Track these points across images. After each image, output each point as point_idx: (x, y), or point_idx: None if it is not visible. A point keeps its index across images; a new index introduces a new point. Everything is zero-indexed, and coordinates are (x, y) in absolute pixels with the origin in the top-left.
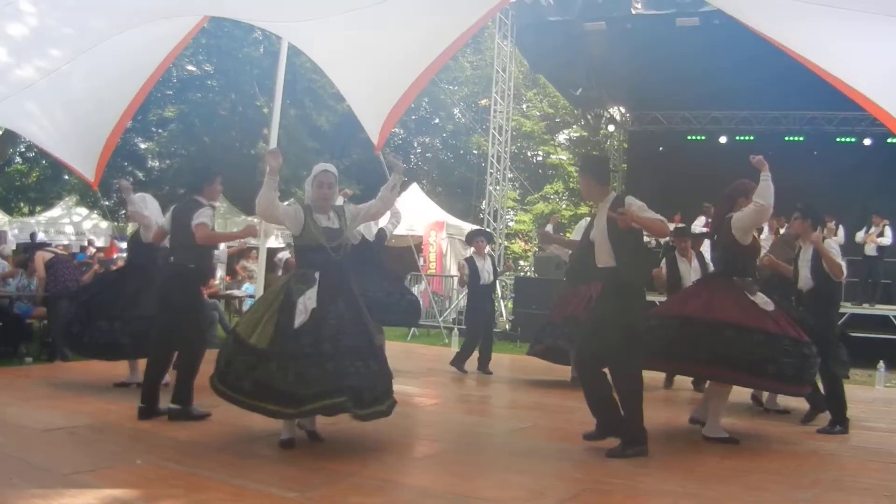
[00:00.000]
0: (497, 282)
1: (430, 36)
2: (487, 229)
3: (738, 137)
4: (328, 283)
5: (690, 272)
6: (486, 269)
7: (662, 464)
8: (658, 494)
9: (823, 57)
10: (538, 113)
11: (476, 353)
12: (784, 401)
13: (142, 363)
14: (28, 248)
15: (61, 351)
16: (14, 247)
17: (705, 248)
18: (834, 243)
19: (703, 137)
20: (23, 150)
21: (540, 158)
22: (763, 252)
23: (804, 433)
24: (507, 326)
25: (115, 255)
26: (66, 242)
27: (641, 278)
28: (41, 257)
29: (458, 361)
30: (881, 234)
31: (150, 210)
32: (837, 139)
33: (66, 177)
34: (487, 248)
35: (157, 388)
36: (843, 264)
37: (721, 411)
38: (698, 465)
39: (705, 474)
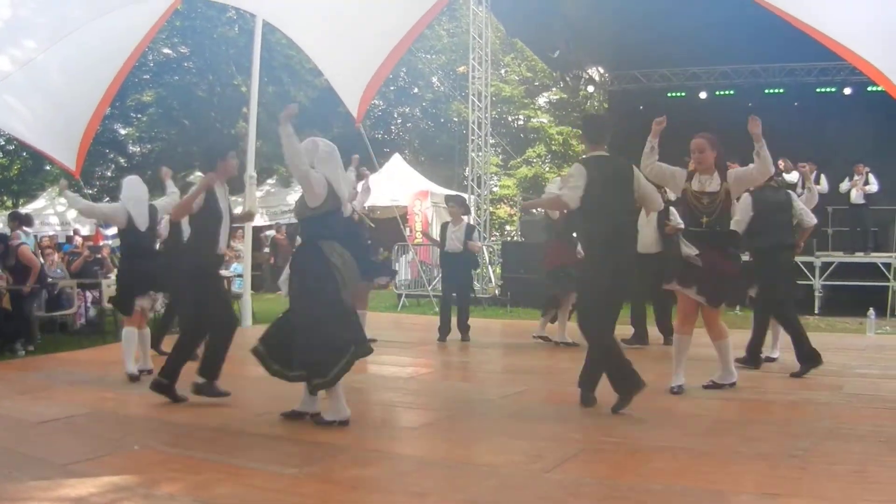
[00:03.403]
0: (484, 248)
1: (404, 6)
2: (462, 194)
3: (718, 92)
4: None
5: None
6: (454, 236)
7: (659, 421)
8: (656, 450)
9: (801, 9)
10: (517, 77)
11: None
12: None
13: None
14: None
15: (26, 338)
16: None
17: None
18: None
19: (683, 94)
20: (2, 143)
21: (521, 123)
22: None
23: (798, 384)
24: (496, 291)
25: (101, 242)
26: (51, 233)
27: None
28: (27, 250)
29: (440, 334)
30: (867, 183)
31: (125, 195)
32: (817, 90)
33: (48, 167)
34: (468, 217)
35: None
36: None
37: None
38: (694, 420)
39: (702, 429)
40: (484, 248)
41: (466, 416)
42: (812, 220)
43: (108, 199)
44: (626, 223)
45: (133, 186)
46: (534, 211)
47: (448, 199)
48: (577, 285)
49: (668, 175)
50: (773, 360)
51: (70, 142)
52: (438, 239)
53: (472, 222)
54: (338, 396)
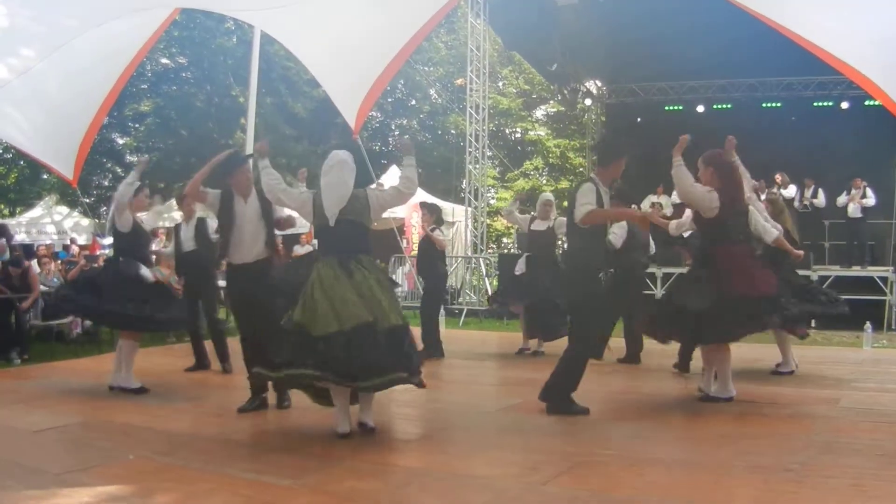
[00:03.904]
0: (481, 259)
1: (403, 18)
2: (437, 204)
3: (715, 106)
4: None
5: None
6: (424, 243)
7: (654, 433)
8: (650, 463)
9: (799, 24)
10: (514, 90)
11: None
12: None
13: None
14: None
15: (21, 347)
16: None
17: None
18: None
19: (681, 107)
20: (0, 151)
21: (518, 135)
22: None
23: (793, 397)
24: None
25: (98, 252)
26: (48, 242)
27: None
28: (35, 275)
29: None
30: (864, 196)
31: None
32: (815, 104)
33: (45, 176)
34: (454, 223)
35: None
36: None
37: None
38: (689, 432)
39: (697, 441)
40: (481, 260)
41: (462, 429)
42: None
43: (104, 208)
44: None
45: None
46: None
47: (422, 205)
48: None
49: None
50: (784, 373)
51: (68, 151)
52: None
53: (464, 231)
54: (341, 409)
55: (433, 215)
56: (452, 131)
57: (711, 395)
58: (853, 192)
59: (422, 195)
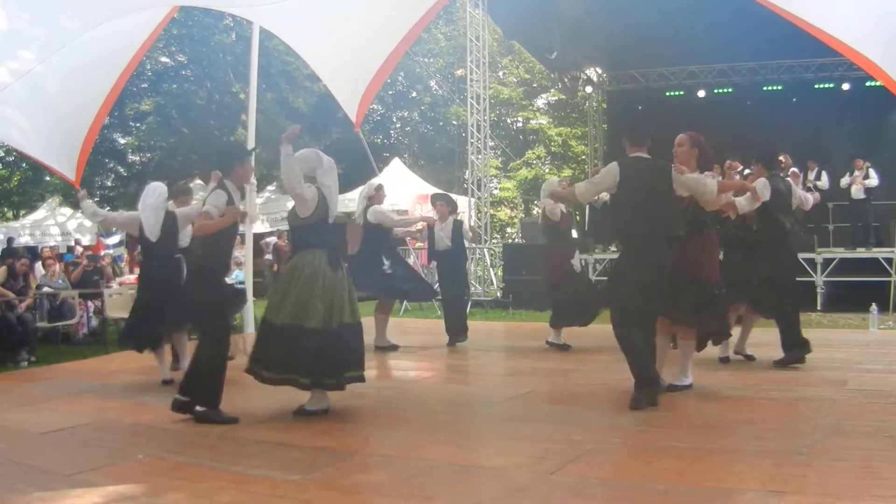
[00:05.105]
0: (486, 249)
1: (400, 10)
2: (450, 194)
3: (716, 90)
4: None
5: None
6: (442, 234)
7: (662, 420)
8: (659, 451)
9: (798, 6)
10: (515, 79)
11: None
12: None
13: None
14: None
15: (30, 348)
16: None
17: None
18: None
19: (682, 93)
20: (2, 154)
21: (520, 124)
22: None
23: (800, 380)
24: (498, 294)
25: (102, 252)
26: (52, 244)
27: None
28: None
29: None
30: (867, 177)
31: (140, 203)
32: (816, 86)
33: (48, 178)
34: (459, 214)
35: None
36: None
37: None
38: (698, 419)
39: (705, 428)
40: (486, 250)
41: (470, 419)
42: (808, 202)
43: (108, 208)
44: (658, 224)
45: (149, 194)
46: (535, 213)
47: (435, 197)
48: (611, 280)
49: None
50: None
51: (69, 152)
52: (427, 241)
53: (468, 221)
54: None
55: (449, 206)
56: (454, 122)
57: (672, 383)
58: (855, 172)
59: (424, 186)
